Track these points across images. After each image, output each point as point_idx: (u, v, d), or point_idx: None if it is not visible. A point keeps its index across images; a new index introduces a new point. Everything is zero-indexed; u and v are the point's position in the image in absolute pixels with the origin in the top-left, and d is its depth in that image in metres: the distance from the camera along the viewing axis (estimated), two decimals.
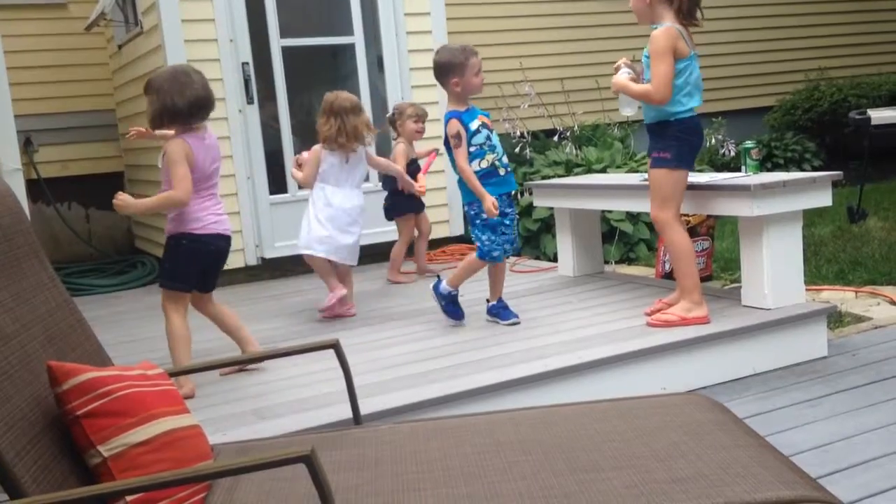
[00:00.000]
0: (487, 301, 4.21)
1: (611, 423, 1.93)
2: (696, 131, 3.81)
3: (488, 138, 3.97)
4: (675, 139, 3.74)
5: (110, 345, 2.21)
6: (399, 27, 6.27)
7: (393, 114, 5.54)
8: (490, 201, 3.87)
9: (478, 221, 4.00)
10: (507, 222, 4.05)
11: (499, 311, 4.14)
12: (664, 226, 3.82)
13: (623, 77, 3.81)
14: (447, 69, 3.94)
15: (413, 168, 5.38)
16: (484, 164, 3.96)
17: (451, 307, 4.15)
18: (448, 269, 5.49)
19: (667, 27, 3.64)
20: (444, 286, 4.14)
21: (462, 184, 4.01)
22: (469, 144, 3.93)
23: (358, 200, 4.53)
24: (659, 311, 3.90)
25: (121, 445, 1.59)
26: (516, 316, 4.10)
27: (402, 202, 5.44)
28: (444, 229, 6.49)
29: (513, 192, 4.14)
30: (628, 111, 3.86)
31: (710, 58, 8.94)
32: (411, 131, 5.39)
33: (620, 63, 3.90)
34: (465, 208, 4.09)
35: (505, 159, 4.06)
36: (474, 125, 3.95)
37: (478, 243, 4.05)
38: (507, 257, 4.26)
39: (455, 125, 3.92)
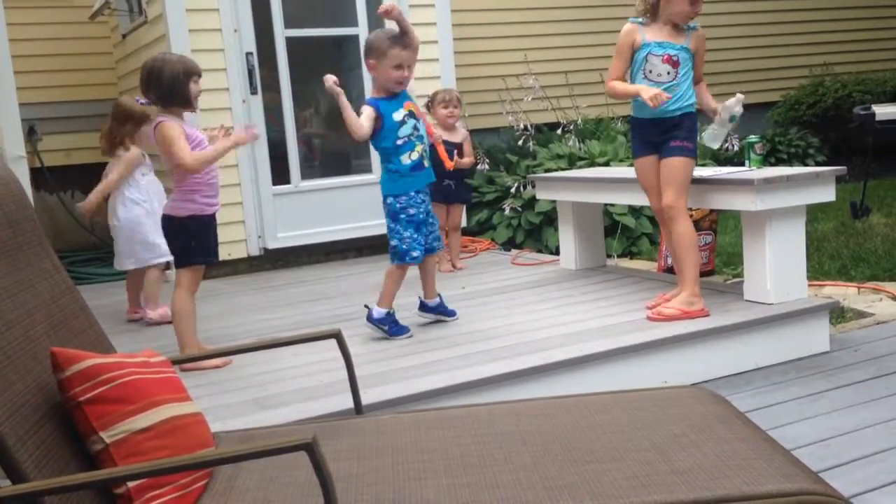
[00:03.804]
0: (420, 300, 4.04)
1: (612, 414, 1.94)
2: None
3: (415, 128, 3.77)
4: (693, 130, 3.87)
5: (112, 333, 2.21)
6: None
7: (429, 100, 5.53)
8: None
9: (402, 216, 3.77)
10: (431, 219, 3.87)
11: (443, 308, 4.03)
12: (676, 214, 3.80)
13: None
14: (367, 50, 3.74)
15: (449, 149, 5.30)
16: (414, 157, 3.76)
17: (395, 327, 3.83)
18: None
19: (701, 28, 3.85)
20: (377, 311, 3.82)
21: (386, 172, 3.79)
22: (396, 137, 3.73)
23: None
24: (660, 305, 3.90)
25: (123, 432, 1.60)
26: (453, 313, 4.04)
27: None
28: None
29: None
30: (715, 145, 3.91)
31: (714, 52, 8.91)
32: (442, 117, 5.39)
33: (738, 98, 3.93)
34: (390, 202, 3.79)
35: (429, 153, 3.88)
36: (398, 115, 3.73)
37: (394, 243, 3.80)
38: (437, 253, 4.05)
39: (367, 110, 3.72)
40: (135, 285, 4.78)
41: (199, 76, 3.69)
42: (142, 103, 4.40)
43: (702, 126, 3.99)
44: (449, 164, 5.11)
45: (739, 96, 3.90)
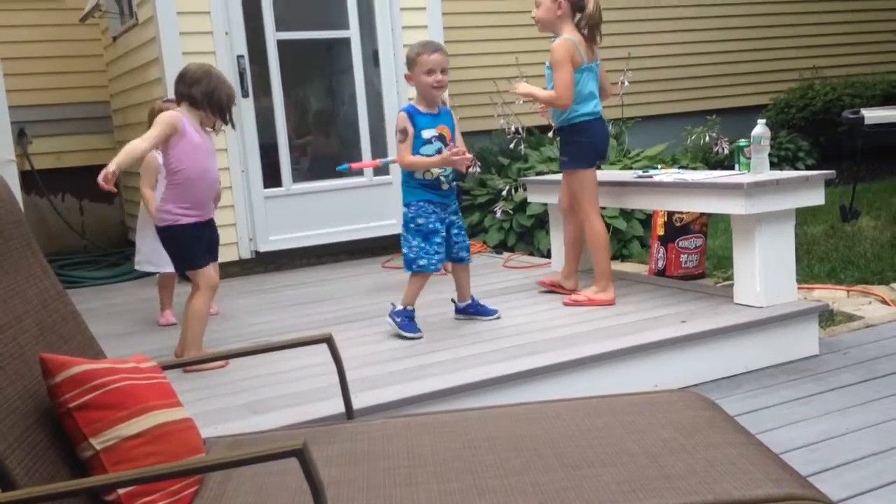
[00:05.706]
0: (453, 301, 4.16)
1: (602, 419, 1.94)
2: (587, 132, 4.10)
3: (438, 151, 3.84)
4: (568, 143, 4.17)
5: (103, 337, 2.21)
6: (395, 22, 6.26)
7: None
8: (441, 159, 3.75)
9: (411, 226, 3.87)
10: (438, 239, 3.86)
11: (477, 308, 4.11)
12: (583, 219, 4.21)
13: (526, 86, 4.13)
14: (407, 62, 3.88)
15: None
16: (427, 176, 3.85)
17: (406, 322, 3.89)
18: None
19: (564, 39, 3.99)
20: (396, 307, 3.94)
21: (404, 184, 3.91)
22: (416, 152, 3.83)
23: None
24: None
25: (113, 438, 1.59)
26: (494, 311, 4.10)
27: None
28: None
29: (452, 207, 3.97)
30: (766, 170, 3.92)
31: (704, 55, 8.97)
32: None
33: (521, 83, 4.20)
34: (404, 211, 3.92)
35: (452, 176, 3.93)
36: (427, 134, 3.84)
37: (404, 250, 3.90)
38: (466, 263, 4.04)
39: (403, 119, 3.83)
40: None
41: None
42: (165, 100, 4.39)
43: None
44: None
45: (761, 121, 3.97)
